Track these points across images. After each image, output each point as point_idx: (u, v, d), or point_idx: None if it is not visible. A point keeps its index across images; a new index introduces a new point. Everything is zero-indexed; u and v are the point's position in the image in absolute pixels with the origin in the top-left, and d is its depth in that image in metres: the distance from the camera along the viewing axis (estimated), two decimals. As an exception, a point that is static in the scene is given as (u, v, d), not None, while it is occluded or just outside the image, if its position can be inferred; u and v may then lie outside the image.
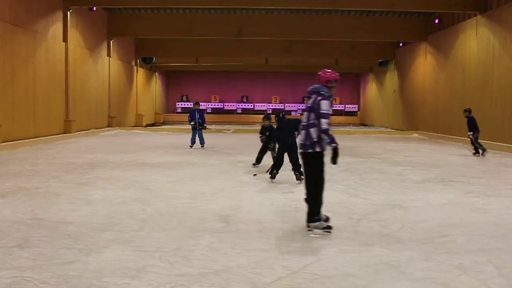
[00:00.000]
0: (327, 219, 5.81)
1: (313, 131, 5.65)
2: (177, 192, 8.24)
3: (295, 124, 9.42)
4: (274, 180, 9.32)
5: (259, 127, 11.44)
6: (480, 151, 14.06)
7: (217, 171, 10.72)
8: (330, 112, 5.64)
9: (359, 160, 13.36)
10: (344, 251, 5.02)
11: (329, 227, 5.68)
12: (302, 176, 9.20)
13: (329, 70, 5.93)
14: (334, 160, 5.60)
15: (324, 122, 5.55)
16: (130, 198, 7.63)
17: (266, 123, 10.97)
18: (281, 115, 9.95)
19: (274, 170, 9.37)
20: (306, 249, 5.06)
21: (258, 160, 11.10)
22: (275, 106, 41.64)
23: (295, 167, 9.25)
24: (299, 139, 5.93)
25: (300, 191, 8.47)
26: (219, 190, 8.44)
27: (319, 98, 5.65)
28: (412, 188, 8.95)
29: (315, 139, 5.64)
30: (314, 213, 5.69)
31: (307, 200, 5.80)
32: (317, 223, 5.65)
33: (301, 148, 5.82)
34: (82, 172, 10.25)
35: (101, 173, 10.30)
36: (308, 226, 5.69)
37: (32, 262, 4.56)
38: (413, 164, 12.65)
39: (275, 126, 10.55)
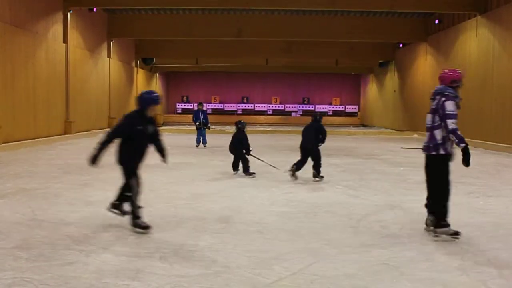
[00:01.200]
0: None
1: (437, 133, 5.49)
2: (177, 192, 8.24)
3: (316, 129, 9.65)
4: (293, 179, 9.48)
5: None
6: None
7: (218, 172, 10.71)
8: (456, 112, 5.43)
9: (359, 160, 13.35)
10: (344, 252, 5.02)
11: (457, 233, 5.47)
12: (320, 176, 9.53)
13: (452, 69, 5.74)
14: (466, 162, 5.35)
15: (450, 122, 5.35)
16: (130, 199, 7.61)
17: (243, 126, 10.51)
18: (317, 117, 9.85)
19: (293, 165, 9.54)
20: (306, 250, 5.05)
21: (236, 167, 10.39)
22: (275, 106, 41.66)
23: (315, 167, 9.55)
24: (424, 141, 5.71)
25: (300, 191, 8.51)
26: (219, 191, 8.44)
27: (443, 99, 5.47)
28: (412, 189, 8.94)
29: (439, 141, 5.48)
30: (441, 218, 5.52)
31: (429, 205, 5.69)
32: (444, 229, 5.49)
33: (424, 150, 5.66)
34: (82, 173, 10.25)
35: (101, 174, 10.27)
36: (435, 232, 5.55)
37: (32, 263, 4.56)
38: (413, 164, 12.62)
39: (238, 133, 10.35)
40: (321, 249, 5.11)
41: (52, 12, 18.92)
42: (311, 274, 4.34)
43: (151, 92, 5.98)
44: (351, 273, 4.39)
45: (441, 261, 4.77)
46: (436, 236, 5.53)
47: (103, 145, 5.63)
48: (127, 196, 5.83)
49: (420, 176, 10.46)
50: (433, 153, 5.56)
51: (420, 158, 13.60)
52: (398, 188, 8.98)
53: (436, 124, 5.53)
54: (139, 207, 5.73)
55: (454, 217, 6.67)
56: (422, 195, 8.28)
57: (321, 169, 9.59)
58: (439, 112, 5.48)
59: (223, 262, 4.63)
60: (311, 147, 9.52)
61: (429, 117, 5.65)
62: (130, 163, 5.81)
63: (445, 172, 5.58)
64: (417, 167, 12.10)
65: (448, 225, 5.52)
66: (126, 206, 5.88)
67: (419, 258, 4.84)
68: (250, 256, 4.82)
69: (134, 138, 5.73)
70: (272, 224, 6.16)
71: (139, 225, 5.66)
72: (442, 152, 5.51)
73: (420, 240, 5.52)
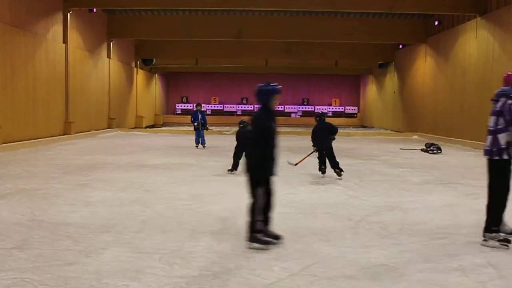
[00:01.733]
0: None
1: (501, 137, 5.25)
2: (176, 193, 8.24)
3: (329, 129, 10.13)
4: (322, 175, 10.17)
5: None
6: None
7: (217, 172, 10.71)
8: None
9: (359, 161, 13.36)
10: (343, 253, 5.02)
11: (507, 241, 5.28)
12: (342, 172, 10.01)
13: None
14: None
15: None
16: (129, 199, 7.63)
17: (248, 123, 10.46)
18: (323, 117, 10.40)
19: (322, 166, 10.17)
20: (305, 251, 5.05)
21: (235, 166, 10.46)
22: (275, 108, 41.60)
23: (333, 166, 10.01)
24: (485, 145, 5.49)
25: (300, 192, 8.51)
26: (218, 192, 8.44)
27: (510, 101, 5.25)
28: (412, 190, 8.95)
29: (503, 146, 5.24)
30: (493, 224, 5.35)
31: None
32: (493, 234, 5.31)
33: (486, 155, 5.41)
34: (82, 174, 10.25)
35: (101, 174, 10.30)
36: (484, 236, 5.38)
37: (32, 263, 4.56)
38: (412, 166, 12.65)
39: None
40: (321, 249, 5.12)
41: (52, 12, 18.92)
42: (311, 275, 4.34)
43: (269, 83, 5.38)
44: (351, 274, 4.40)
45: (441, 262, 4.78)
46: (485, 240, 5.37)
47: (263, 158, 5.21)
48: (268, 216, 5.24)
49: (419, 177, 10.53)
50: (496, 157, 5.30)
51: (419, 159, 13.67)
52: (398, 189, 8.99)
53: (500, 127, 5.29)
54: (260, 220, 5.15)
55: (454, 218, 6.71)
56: (421, 196, 8.34)
57: (339, 165, 10.09)
58: (504, 115, 5.26)
59: (222, 263, 4.64)
60: (327, 147, 9.99)
61: (492, 119, 5.40)
62: (261, 170, 5.20)
63: (507, 178, 5.38)
64: (416, 169, 12.16)
65: (498, 231, 5.35)
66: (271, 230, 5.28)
67: (418, 259, 4.84)
68: (249, 257, 4.83)
69: (266, 138, 5.17)
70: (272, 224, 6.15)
71: (258, 240, 5.09)
72: (505, 157, 5.27)
73: (419, 241, 5.52)
